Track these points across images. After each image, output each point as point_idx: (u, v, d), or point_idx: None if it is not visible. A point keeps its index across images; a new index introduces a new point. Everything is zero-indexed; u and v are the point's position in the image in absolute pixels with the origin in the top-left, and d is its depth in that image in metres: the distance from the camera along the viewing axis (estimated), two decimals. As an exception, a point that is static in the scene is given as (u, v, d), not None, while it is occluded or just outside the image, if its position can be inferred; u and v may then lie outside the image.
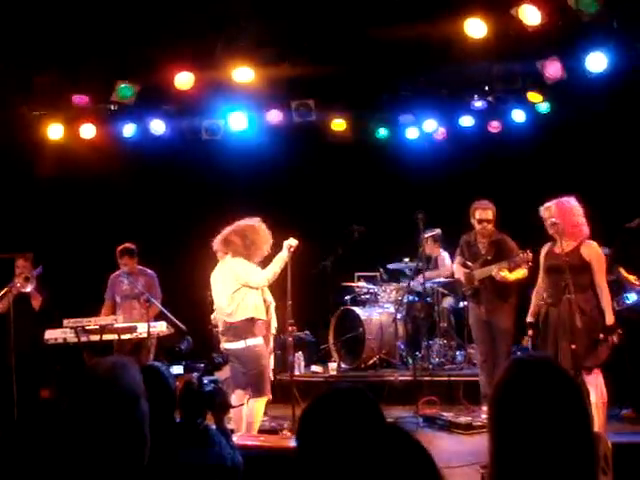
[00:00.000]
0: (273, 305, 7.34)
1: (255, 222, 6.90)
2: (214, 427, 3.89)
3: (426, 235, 8.64)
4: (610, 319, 6.26)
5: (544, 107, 9.53)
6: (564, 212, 6.47)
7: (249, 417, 6.59)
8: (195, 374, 4.51)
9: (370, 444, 1.92)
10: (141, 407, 2.22)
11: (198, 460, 3.52)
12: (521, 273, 7.32)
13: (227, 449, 3.69)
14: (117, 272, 8.81)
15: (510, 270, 7.33)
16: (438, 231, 9.37)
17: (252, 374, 6.63)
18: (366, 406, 2.08)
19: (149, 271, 8.86)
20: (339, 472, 1.96)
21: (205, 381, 4.17)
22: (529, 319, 6.73)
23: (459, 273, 7.90)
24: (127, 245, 8.70)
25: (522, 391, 1.94)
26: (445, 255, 9.74)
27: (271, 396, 6.82)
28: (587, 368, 6.21)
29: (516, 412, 1.92)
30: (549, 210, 6.52)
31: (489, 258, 7.53)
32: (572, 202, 6.54)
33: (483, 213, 7.58)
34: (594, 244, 6.49)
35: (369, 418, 2.06)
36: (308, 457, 2.01)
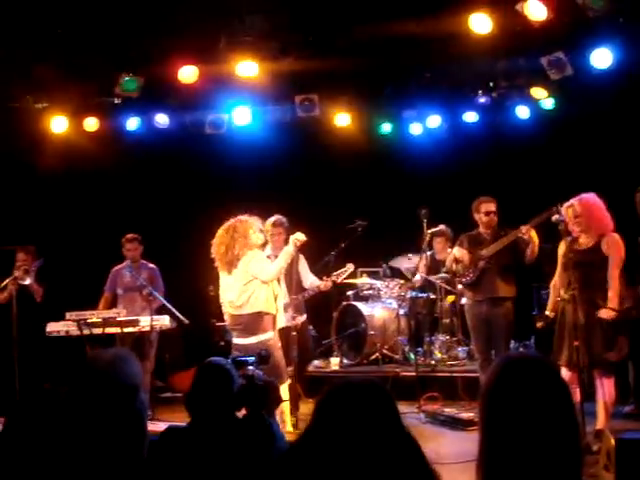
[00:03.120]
0: (281, 300, 7.31)
1: (232, 222, 6.94)
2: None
3: (429, 231, 8.61)
4: (614, 307, 6.23)
5: (549, 103, 9.49)
6: (589, 207, 6.43)
7: None
8: (251, 368, 4.42)
9: (381, 443, 1.94)
10: (140, 398, 2.23)
11: (268, 455, 3.47)
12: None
13: (286, 443, 3.66)
14: (120, 266, 8.83)
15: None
16: (442, 227, 9.34)
17: (267, 368, 6.65)
18: (380, 399, 2.08)
19: (151, 265, 8.86)
20: (349, 465, 1.96)
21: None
22: (548, 313, 6.69)
23: (460, 253, 7.73)
24: (134, 234, 8.78)
25: (511, 389, 1.97)
26: None
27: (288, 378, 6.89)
28: (603, 365, 6.22)
29: (505, 409, 1.95)
30: (572, 208, 6.46)
31: (502, 233, 7.51)
32: (594, 198, 6.49)
33: (489, 206, 7.57)
34: (615, 236, 6.45)
35: (383, 412, 2.06)
36: (319, 449, 2.01)
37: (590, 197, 6.49)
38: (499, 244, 7.45)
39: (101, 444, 2.13)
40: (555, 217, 6.46)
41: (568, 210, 6.47)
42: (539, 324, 6.74)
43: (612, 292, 6.28)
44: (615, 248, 6.41)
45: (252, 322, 6.74)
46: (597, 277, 6.34)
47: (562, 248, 6.62)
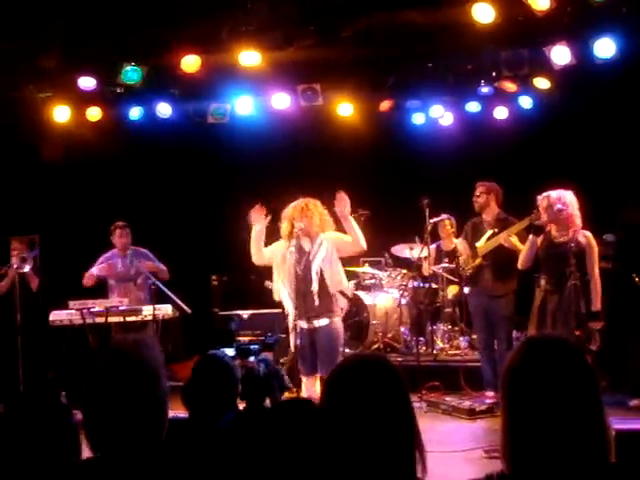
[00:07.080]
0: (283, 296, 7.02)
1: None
2: None
3: (431, 221, 8.62)
4: (597, 305, 6.52)
5: (551, 93, 9.46)
6: (571, 202, 6.63)
7: None
8: (252, 358, 4.37)
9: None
10: (162, 386, 2.24)
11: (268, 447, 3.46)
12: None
13: None
14: (109, 253, 8.68)
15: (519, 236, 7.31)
16: (444, 216, 9.35)
17: None
18: (388, 373, 2.10)
19: (142, 249, 8.70)
20: (361, 436, 1.99)
21: (261, 363, 4.09)
22: None
23: (462, 245, 7.88)
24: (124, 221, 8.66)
25: (536, 371, 1.94)
26: None
27: (301, 377, 6.65)
28: (590, 352, 6.31)
29: (529, 391, 1.92)
30: (557, 197, 6.60)
31: (496, 230, 7.54)
32: (572, 194, 6.71)
33: (476, 189, 7.79)
34: (589, 234, 6.68)
35: (390, 385, 2.08)
36: (331, 423, 2.04)
37: (570, 192, 6.69)
38: (491, 244, 7.48)
39: (121, 430, 2.13)
40: (558, 206, 6.56)
41: (548, 199, 6.64)
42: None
43: (596, 294, 6.54)
44: (592, 246, 6.65)
45: None
46: (581, 268, 6.51)
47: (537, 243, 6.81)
